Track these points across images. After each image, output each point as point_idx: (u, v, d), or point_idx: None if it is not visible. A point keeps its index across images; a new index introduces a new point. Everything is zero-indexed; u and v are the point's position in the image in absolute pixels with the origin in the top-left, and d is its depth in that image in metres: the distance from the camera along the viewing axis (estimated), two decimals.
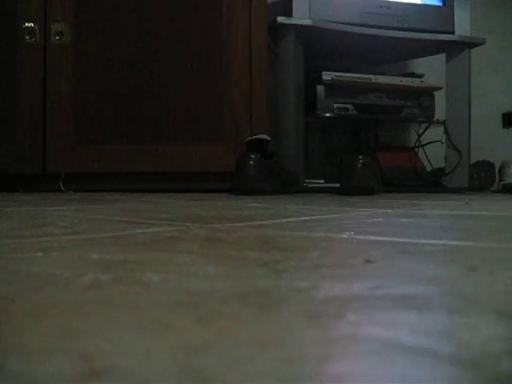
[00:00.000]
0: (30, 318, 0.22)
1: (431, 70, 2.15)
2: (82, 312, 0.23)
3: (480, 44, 1.94)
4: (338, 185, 1.60)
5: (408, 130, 2.34)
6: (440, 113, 2.01)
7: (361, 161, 1.52)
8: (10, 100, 1.57)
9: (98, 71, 1.60)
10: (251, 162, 1.47)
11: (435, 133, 2.04)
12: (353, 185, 1.52)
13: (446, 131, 1.96)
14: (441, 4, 1.90)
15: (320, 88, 1.83)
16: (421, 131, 2.07)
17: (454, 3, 1.89)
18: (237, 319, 0.22)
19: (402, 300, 0.26)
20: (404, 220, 0.73)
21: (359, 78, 1.86)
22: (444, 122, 1.97)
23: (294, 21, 1.72)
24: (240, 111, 1.65)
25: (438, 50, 2.01)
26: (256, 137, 1.55)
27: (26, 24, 1.56)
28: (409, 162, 2.03)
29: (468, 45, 1.92)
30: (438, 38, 1.88)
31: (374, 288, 0.28)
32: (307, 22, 1.72)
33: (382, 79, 1.90)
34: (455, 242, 0.48)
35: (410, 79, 1.95)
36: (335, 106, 1.86)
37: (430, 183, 2.01)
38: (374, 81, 1.88)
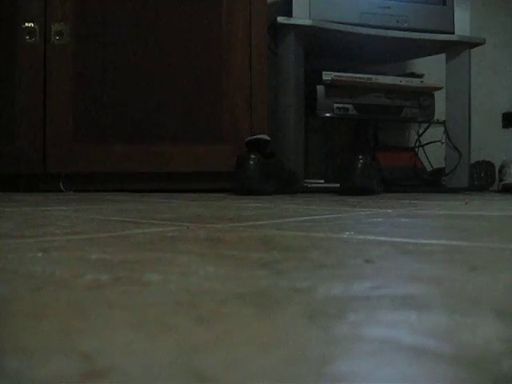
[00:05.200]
0: (30, 318, 0.22)
1: (431, 70, 2.15)
2: (81, 312, 0.23)
3: (480, 44, 1.94)
4: (338, 185, 1.60)
5: (408, 130, 2.34)
6: (440, 113, 2.00)
7: (361, 161, 1.52)
8: (10, 100, 1.57)
9: (98, 71, 1.60)
10: (251, 162, 1.47)
11: (435, 133, 2.04)
12: (353, 185, 1.52)
13: (445, 131, 1.96)
14: (441, 4, 1.90)
15: (320, 88, 1.84)
16: (421, 131, 2.07)
17: (454, 3, 1.89)
18: (237, 319, 0.22)
19: (402, 300, 0.26)
20: (404, 220, 0.73)
21: (359, 78, 1.86)
22: (444, 122, 1.97)
23: (293, 21, 1.72)
24: (240, 111, 1.65)
25: (437, 49, 2.01)
26: (256, 137, 1.55)
27: (26, 24, 1.56)
28: (409, 162, 2.03)
29: (468, 45, 1.92)
30: (438, 38, 1.88)
31: (374, 288, 0.28)
32: (307, 22, 1.72)
33: (381, 79, 1.90)
34: (455, 242, 0.48)
35: (409, 79, 1.95)
36: (335, 105, 1.86)
37: (430, 183, 2.01)
38: (374, 81, 1.88)
